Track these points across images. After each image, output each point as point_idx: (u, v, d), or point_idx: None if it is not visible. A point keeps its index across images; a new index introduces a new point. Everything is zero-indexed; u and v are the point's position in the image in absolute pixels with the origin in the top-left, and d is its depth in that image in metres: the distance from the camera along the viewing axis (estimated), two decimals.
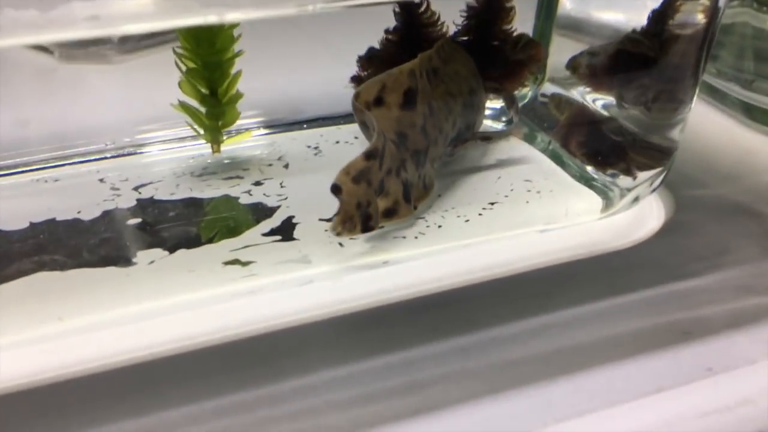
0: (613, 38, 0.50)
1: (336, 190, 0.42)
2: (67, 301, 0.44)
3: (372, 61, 0.56)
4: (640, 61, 0.48)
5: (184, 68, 0.54)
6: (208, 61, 0.53)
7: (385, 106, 0.46)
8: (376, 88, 0.46)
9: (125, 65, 0.72)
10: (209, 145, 0.58)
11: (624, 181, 0.51)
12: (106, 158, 0.60)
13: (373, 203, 0.44)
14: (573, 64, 0.52)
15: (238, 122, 0.60)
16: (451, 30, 0.56)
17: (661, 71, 0.48)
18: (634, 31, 0.48)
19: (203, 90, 0.54)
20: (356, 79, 0.57)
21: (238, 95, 0.55)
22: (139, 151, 0.61)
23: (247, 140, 0.60)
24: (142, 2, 0.50)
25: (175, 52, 0.54)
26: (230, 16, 0.51)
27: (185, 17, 0.48)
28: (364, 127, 0.47)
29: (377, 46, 0.56)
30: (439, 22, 0.55)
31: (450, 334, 0.42)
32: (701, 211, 0.52)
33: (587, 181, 0.52)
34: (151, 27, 0.50)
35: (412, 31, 0.55)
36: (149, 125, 0.63)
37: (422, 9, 0.54)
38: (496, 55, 0.56)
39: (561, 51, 0.56)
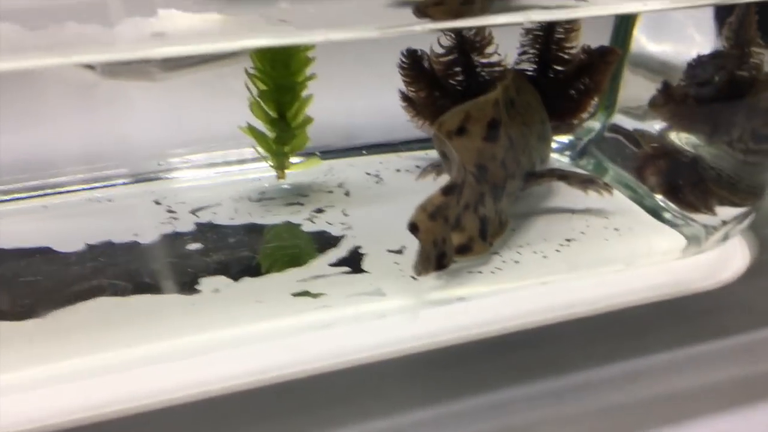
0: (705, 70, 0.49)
1: (413, 228, 0.41)
2: (132, 329, 0.42)
3: (420, 79, 0.54)
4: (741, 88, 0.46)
5: (254, 90, 0.53)
6: (281, 84, 0.51)
7: (467, 136, 0.44)
8: (460, 117, 0.44)
9: (169, 83, 0.71)
10: (274, 170, 0.56)
11: (709, 219, 0.49)
12: (159, 179, 0.58)
13: (448, 240, 0.42)
14: (655, 101, 0.50)
15: None
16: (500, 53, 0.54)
17: (753, 107, 0.47)
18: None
19: (272, 113, 0.53)
20: (406, 98, 0.56)
21: (308, 120, 0.54)
22: (192, 174, 0.59)
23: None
24: (207, 18, 0.49)
25: (247, 73, 0.52)
26: (302, 38, 0.50)
27: (255, 37, 0.47)
28: (444, 157, 0.45)
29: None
30: (493, 46, 0.54)
31: (540, 375, 0.39)
32: None
33: (667, 219, 0.51)
34: (221, 47, 0.49)
35: (463, 53, 0.54)
36: (197, 146, 0.62)
37: (474, 32, 0.53)
38: (558, 83, 0.55)
39: (634, 85, 0.55)
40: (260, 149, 0.54)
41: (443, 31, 0.53)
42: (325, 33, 0.39)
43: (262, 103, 0.52)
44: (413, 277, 0.46)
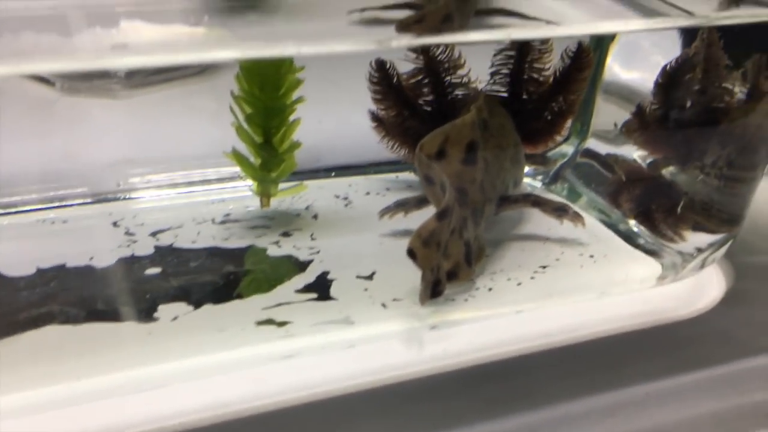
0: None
1: (411, 255, 0.39)
2: (82, 360, 0.39)
3: (389, 96, 0.53)
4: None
5: (240, 113, 0.50)
6: (270, 106, 0.49)
7: (446, 160, 0.43)
8: (439, 140, 0.43)
9: (132, 101, 0.68)
10: (258, 197, 0.54)
11: (686, 246, 0.48)
12: (118, 200, 0.56)
13: (442, 267, 0.41)
14: (628, 125, 0.49)
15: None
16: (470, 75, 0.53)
17: (727, 132, 0.46)
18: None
19: (257, 138, 0.51)
20: (376, 118, 0.54)
21: (296, 145, 0.52)
22: (153, 194, 0.57)
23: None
24: (175, 32, 0.47)
25: (232, 95, 0.50)
26: (276, 51, 0.47)
27: (226, 50, 0.44)
28: (427, 182, 0.44)
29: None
30: (464, 67, 0.53)
31: (515, 409, 0.38)
32: (763, 279, 0.49)
33: (643, 246, 0.50)
34: (192, 58, 0.46)
35: (432, 73, 0.52)
36: (160, 166, 0.59)
37: (442, 51, 0.52)
38: (531, 105, 0.54)
39: (606, 111, 0.54)
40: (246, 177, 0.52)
41: (415, 51, 0.52)
42: (325, 45, 0.38)
43: (247, 127, 0.50)
44: (383, 305, 0.44)
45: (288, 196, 0.56)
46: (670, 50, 0.52)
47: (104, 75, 0.69)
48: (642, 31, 0.49)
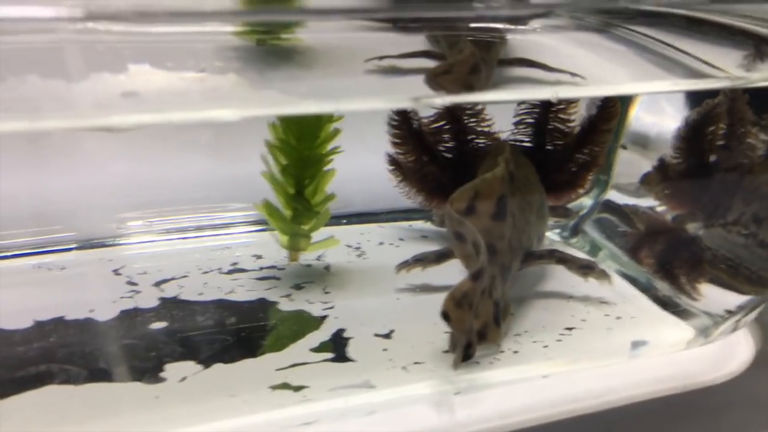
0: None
1: (445, 317, 0.37)
2: (85, 426, 0.36)
3: (408, 141, 0.51)
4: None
5: (273, 163, 0.48)
6: (306, 157, 0.47)
7: (475, 215, 0.41)
8: (469, 194, 0.41)
9: (130, 132, 0.65)
10: (287, 251, 0.51)
11: (715, 306, 0.46)
12: (116, 245, 0.53)
13: (473, 329, 0.39)
14: (649, 179, 0.48)
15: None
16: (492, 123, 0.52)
17: (752, 188, 0.45)
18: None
19: (290, 189, 0.48)
20: (393, 162, 0.52)
21: (330, 196, 0.50)
22: (154, 240, 0.54)
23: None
24: (186, 77, 0.44)
25: (266, 144, 0.48)
26: (337, 106, 0.44)
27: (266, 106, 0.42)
28: (458, 239, 0.42)
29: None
30: (486, 116, 0.51)
31: None
32: None
33: (669, 305, 0.48)
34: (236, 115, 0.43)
35: (454, 120, 0.51)
36: (161, 207, 0.57)
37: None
38: (555, 156, 0.52)
39: (628, 163, 0.53)
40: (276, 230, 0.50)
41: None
42: (359, 102, 0.36)
43: (282, 178, 0.48)
44: (404, 368, 0.42)
45: (319, 251, 0.53)
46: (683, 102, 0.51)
47: None
48: (684, 90, 0.48)
